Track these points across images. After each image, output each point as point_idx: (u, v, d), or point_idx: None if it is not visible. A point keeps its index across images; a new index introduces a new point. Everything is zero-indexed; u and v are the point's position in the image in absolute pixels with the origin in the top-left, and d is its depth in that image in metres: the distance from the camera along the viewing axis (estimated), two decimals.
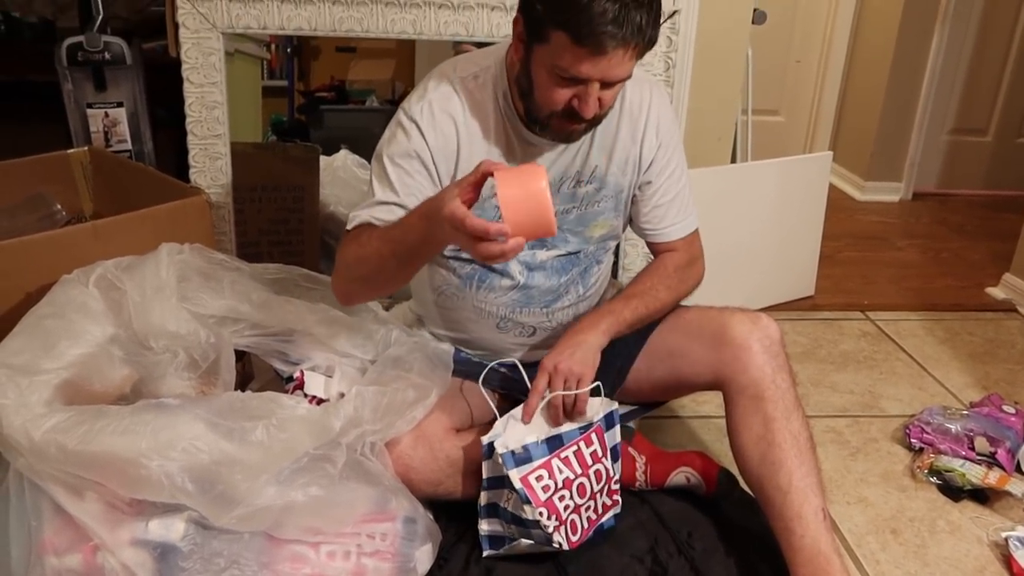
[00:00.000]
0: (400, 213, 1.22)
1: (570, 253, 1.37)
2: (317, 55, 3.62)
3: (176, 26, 1.72)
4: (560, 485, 1.24)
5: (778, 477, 1.24)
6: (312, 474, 1.12)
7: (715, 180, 2.14)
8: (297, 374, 1.34)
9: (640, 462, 1.46)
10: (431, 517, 1.28)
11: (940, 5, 3.21)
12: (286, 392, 1.30)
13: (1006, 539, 1.44)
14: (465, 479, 1.32)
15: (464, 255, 1.34)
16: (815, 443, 1.30)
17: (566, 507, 1.25)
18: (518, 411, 1.27)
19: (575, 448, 1.26)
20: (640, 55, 1.12)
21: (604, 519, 1.34)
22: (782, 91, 3.66)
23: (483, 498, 1.27)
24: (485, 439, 1.24)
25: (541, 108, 1.18)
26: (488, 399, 1.36)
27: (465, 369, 1.42)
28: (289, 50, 3.49)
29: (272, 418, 1.09)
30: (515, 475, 1.20)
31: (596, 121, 1.22)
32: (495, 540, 1.30)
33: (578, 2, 1.04)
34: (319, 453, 1.14)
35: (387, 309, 1.62)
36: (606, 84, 1.13)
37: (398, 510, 1.19)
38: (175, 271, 1.32)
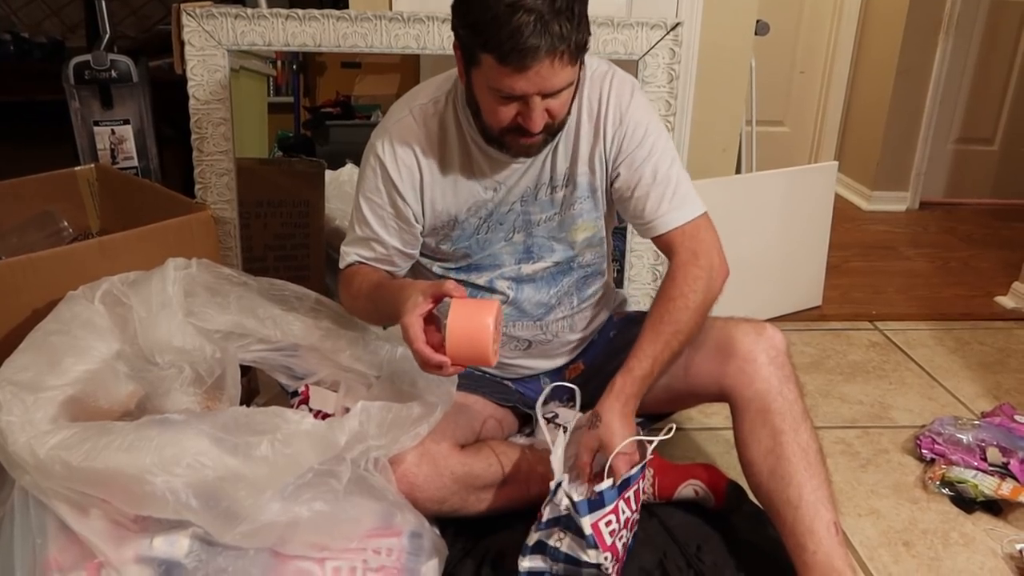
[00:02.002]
0: (379, 248, 1.34)
1: (558, 263, 1.37)
2: (323, 71, 3.64)
3: (182, 44, 1.74)
4: (622, 526, 1.22)
5: (788, 491, 1.22)
6: (317, 489, 1.11)
7: (720, 191, 2.14)
8: (303, 389, 1.34)
9: (648, 474, 1.45)
10: (437, 532, 1.27)
11: (944, 14, 3.21)
12: (292, 407, 1.30)
13: (1020, 551, 1.42)
14: (470, 496, 1.31)
15: (452, 276, 1.38)
16: (825, 455, 1.28)
17: (623, 545, 1.23)
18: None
19: (635, 488, 1.24)
20: (573, 61, 1.11)
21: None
22: (787, 102, 3.66)
23: (532, 537, 1.21)
24: (553, 483, 1.18)
25: (491, 127, 1.20)
26: (546, 433, 1.26)
27: (469, 384, 1.41)
28: (295, 66, 3.51)
29: (277, 433, 1.09)
30: (587, 522, 1.16)
31: (554, 131, 1.21)
32: None
33: (495, 23, 1.05)
34: (324, 468, 1.13)
35: (385, 328, 1.62)
36: (546, 95, 1.13)
37: (404, 525, 1.18)
38: (181, 286, 1.32)
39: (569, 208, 1.35)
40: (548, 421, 1.43)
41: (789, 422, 1.26)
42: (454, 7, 1.14)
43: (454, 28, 1.15)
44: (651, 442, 1.25)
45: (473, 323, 1.11)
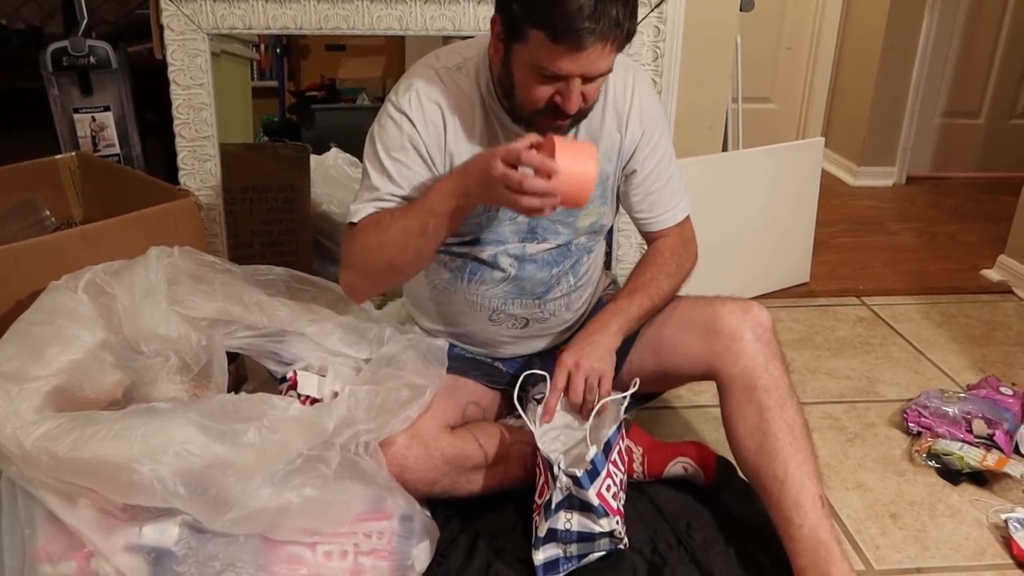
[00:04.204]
0: (400, 202, 1.25)
1: (560, 245, 1.37)
2: (307, 54, 3.61)
3: (161, 28, 1.72)
4: (618, 487, 1.23)
5: (774, 466, 1.24)
6: (306, 475, 1.11)
7: (707, 168, 2.14)
8: (290, 374, 1.33)
9: (637, 453, 1.46)
10: (428, 514, 1.27)
11: None
12: (280, 393, 1.30)
13: (1006, 521, 1.43)
14: (461, 477, 1.32)
15: (455, 248, 1.34)
16: (811, 430, 1.29)
17: (622, 507, 1.25)
18: (546, 425, 1.24)
19: (618, 448, 1.26)
20: (620, 48, 1.12)
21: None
22: (773, 78, 3.65)
23: (542, 528, 1.20)
24: (556, 466, 1.18)
25: (524, 106, 1.18)
26: (527, 419, 1.27)
27: (459, 366, 1.41)
28: (278, 50, 3.48)
29: (264, 420, 1.09)
30: (592, 493, 1.17)
31: (582, 115, 1.21)
32: (550, 566, 1.24)
33: (558, 5, 1.04)
34: (313, 454, 1.13)
35: (379, 307, 1.61)
36: (587, 79, 1.13)
37: (394, 508, 1.18)
38: (165, 274, 1.31)
39: None
40: (538, 403, 1.43)
41: (775, 398, 1.27)
42: None
43: (501, 2, 1.13)
44: (624, 399, 1.27)
45: (581, 155, 1.09)
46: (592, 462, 1.18)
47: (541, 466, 1.24)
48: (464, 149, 1.27)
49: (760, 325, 1.30)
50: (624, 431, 1.40)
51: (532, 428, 1.24)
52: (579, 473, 1.16)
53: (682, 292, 1.44)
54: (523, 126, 1.22)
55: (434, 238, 1.22)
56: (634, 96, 1.32)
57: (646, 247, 1.47)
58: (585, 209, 1.34)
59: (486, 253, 1.35)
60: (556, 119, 1.17)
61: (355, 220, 1.26)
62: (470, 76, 1.26)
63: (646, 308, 1.35)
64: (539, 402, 1.30)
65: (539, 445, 1.22)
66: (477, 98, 1.26)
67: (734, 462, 1.36)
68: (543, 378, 1.34)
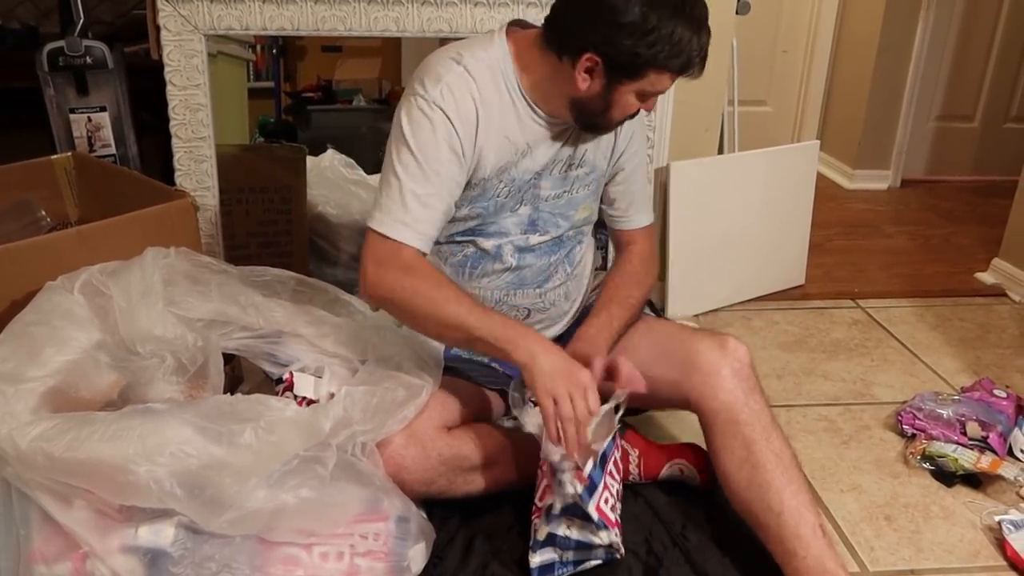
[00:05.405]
0: (435, 203, 1.25)
1: (556, 238, 1.41)
2: (303, 55, 3.61)
3: (157, 29, 1.71)
4: (615, 498, 1.23)
5: (768, 498, 1.22)
6: (303, 476, 1.11)
7: (703, 171, 2.14)
8: (287, 376, 1.33)
9: (633, 455, 1.46)
10: (424, 516, 1.27)
11: None
12: (276, 394, 1.29)
13: (999, 523, 1.44)
14: (457, 477, 1.32)
15: (457, 238, 1.37)
16: (799, 461, 1.27)
17: (619, 517, 1.24)
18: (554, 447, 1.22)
19: (614, 459, 1.26)
20: None
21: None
22: (769, 81, 3.66)
23: (542, 532, 1.21)
24: (560, 476, 1.17)
25: (614, 119, 1.28)
26: (525, 417, 1.27)
27: (456, 367, 1.42)
28: (275, 51, 3.48)
29: (260, 420, 1.09)
30: (592, 508, 1.17)
31: None
32: (546, 569, 1.24)
33: (674, 47, 1.17)
34: (309, 455, 1.13)
35: (376, 309, 1.61)
36: None
37: (390, 509, 1.18)
38: (161, 275, 1.31)
39: (578, 189, 1.40)
40: (535, 406, 1.43)
41: (759, 431, 1.25)
42: (614, 26, 1.16)
43: (609, 48, 1.18)
44: (617, 409, 1.24)
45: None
46: (590, 477, 1.17)
47: (544, 469, 1.24)
48: (493, 143, 1.29)
49: (738, 360, 1.29)
50: (619, 436, 1.40)
51: (534, 433, 1.23)
52: (579, 489, 1.16)
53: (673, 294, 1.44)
54: (596, 130, 1.33)
55: (453, 341, 1.29)
56: None
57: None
58: (582, 203, 1.41)
59: (490, 244, 1.37)
60: (630, 118, 1.32)
61: (387, 233, 1.23)
62: (492, 69, 1.28)
63: (624, 321, 1.40)
64: (536, 404, 1.30)
65: (545, 449, 1.20)
66: (503, 87, 1.28)
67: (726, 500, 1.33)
68: None
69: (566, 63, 1.22)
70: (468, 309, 1.21)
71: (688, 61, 1.20)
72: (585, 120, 1.29)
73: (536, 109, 1.30)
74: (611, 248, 1.96)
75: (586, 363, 1.22)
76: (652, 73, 1.20)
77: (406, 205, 1.23)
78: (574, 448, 1.16)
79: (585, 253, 1.49)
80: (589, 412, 1.16)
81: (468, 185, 1.31)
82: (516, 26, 1.33)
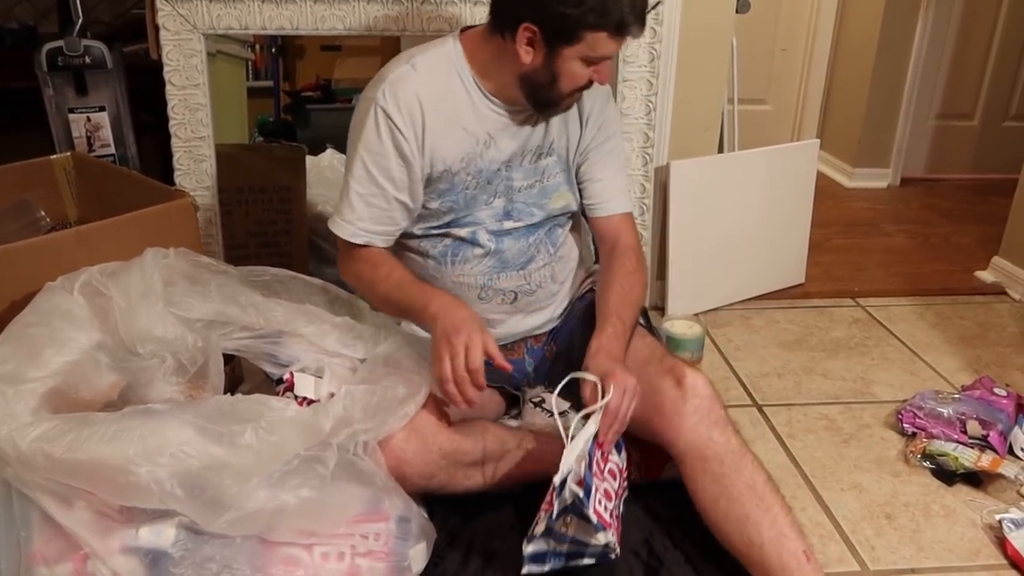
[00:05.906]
0: (379, 202, 1.34)
1: (531, 225, 1.43)
2: (302, 55, 3.61)
3: (157, 28, 1.71)
4: (609, 499, 1.23)
5: (747, 531, 1.20)
6: (303, 476, 1.11)
7: (703, 170, 2.14)
8: (287, 376, 1.33)
9: (634, 456, 1.46)
10: (425, 515, 1.27)
11: None
12: (277, 394, 1.29)
13: (1000, 521, 1.44)
14: (458, 472, 1.32)
15: (434, 232, 1.41)
16: (776, 484, 1.25)
17: (617, 516, 1.24)
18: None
19: (596, 458, 1.23)
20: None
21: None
22: (768, 80, 3.66)
23: (540, 527, 1.20)
24: (557, 479, 1.16)
25: (563, 91, 1.29)
26: (559, 425, 1.23)
27: None
28: (274, 50, 3.48)
29: (261, 421, 1.09)
30: (590, 511, 1.15)
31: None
32: (537, 556, 1.23)
33: (604, 5, 1.19)
34: (310, 454, 1.13)
35: (375, 307, 1.61)
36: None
37: (391, 510, 1.18)
38: (160, 276, 1.31)
39: (550, 177, 1.43)
40: (535, 406, 1.43)
41: (728, 464, 1.23)
42: None
43: (540, 15, 1.21)
44: (599, 407, 1.22)
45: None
46: (583, 479, 1.17)
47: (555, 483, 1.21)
48: (442, 130, 1.32)
49: (697, 396, 1.27)
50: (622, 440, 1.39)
51: (563, 436, 1.20)
52: (581, 492, 1.16)
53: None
54: (550, 111, 1.35)
55: (394, 315, 1.42)
56: (598, 94, 1.44)
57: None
58: (556, 192, 1.44)
59: (465, 232, 1.40)
60: (579, 93, 1.33)
61: (348, 238, 1.36)
62: (448, 65, 1.33)
63: (634, 321, 1.40)
64: (536, 405, 1.30)
65: (566, 455, 1.18)
66: (458, 82, 1.33)
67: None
68: (541, 381, 1.34)
69: (508, 41, 1.26)
70: (395, 285, 1.34)
71: (622, 19, 1.21)
72: (537, 97, 1.31)
73: (491, 98, 1.33)
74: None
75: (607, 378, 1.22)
76: (588, 34, 1.22)
77: (352, 205, 1.34)
78: (458, 402, 1.22)
79: (568, 236, 1.51)
80: (471, 368, 1.22)
81: (432, 179, 1.35)
82: (468, 29, 1.39)
